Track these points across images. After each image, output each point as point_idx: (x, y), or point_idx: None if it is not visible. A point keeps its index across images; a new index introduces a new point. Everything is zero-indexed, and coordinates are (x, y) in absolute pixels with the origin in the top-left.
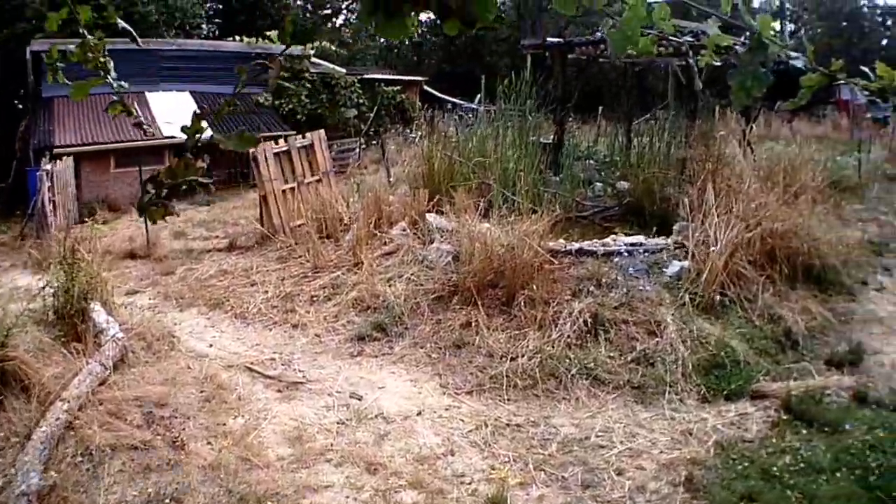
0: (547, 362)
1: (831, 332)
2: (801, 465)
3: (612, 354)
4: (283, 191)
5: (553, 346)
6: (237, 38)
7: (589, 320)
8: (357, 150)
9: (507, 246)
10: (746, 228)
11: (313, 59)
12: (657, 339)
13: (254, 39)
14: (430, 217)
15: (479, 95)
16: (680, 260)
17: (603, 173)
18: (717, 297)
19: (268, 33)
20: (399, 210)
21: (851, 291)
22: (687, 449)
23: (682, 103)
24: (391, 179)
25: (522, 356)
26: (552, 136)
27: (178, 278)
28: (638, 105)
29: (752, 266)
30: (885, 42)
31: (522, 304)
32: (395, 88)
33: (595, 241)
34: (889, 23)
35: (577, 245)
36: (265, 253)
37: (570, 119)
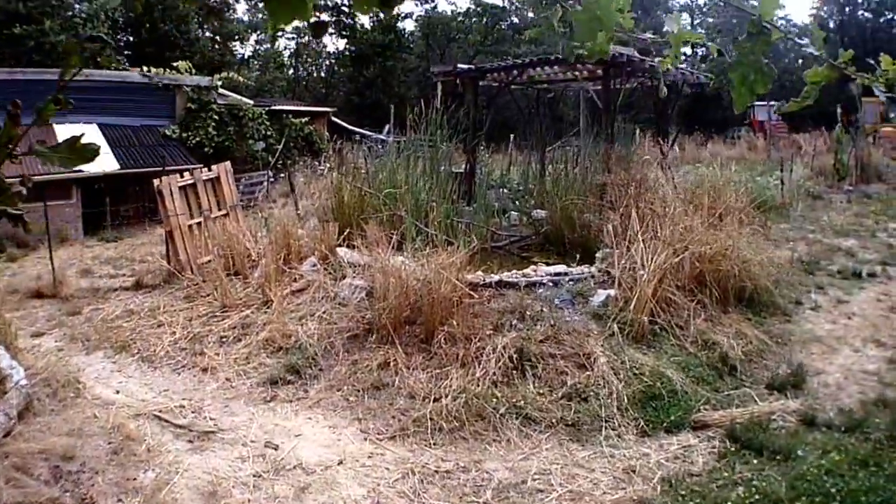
0: (473, 402)
1: (769, 355)
2: (757, 496)
3: (541, 391)
4: (190, 226)
5: (478, 385)
6: (144, 68)
7: (514, 356)
8: (265, 183)
9: (424, 280)
10: (674, 253)
11: (221, 91)
12: (588, 373)
13: (161, 70)
14: (341, 251)
15: (388, 126)
16: (606, 288)
17: (517, 202)
18: (648, 326)
19: (175, 64)
20: (309, 245)
21: (786, 312)
22: (632, 488)
23: (599, 128)
24: (300, 213)
25: (446, 396)
26: (464, 166)
27: (85, 319)
28: (551, 132)
29: (682, 292)
30: (800, 62)
31: (443, 340)
32: (303, 120)
33: (515, 272)
34: (805, 41)
35: (496, 277)
36: (172, 291)
37: (482, 148)
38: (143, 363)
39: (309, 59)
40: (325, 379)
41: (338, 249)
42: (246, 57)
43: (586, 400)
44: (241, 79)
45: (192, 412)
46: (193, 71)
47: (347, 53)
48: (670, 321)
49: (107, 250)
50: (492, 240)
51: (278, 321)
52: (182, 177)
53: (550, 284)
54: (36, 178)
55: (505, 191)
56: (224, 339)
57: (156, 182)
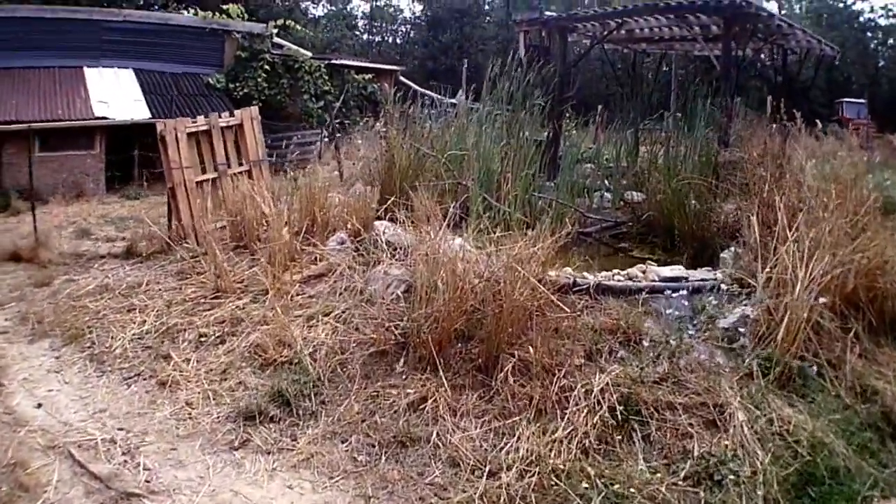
0: (550, 483)
1: None
2: None
3: (654, 465)
4: (199, 182)
5: (560, 452)
6: (190, 10)
7: (618, 406)
8: (319, 142)
9: (490, 278)
10: (835, 262)
11: (276, 41)
12: (720, 436)
13: (209, 13)
14: (381, 225)
15: (460, 91)
16: (739, 303)
17: (608, 180)
18: (797, 364)
19: (224, 7)
20: (341, 215)
21: None
22: None
23: (712, 98)
24: (343, 175)
25: (508, 469)
26: (547, 133)
27: (51, 293)
28: (650, 103)
29: (832, 314)
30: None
31: (510, 372)
32: (367, 77)
33: (617, 272)
34: (891, 41)
35: (592, 278)
36: (165, 264)
37: (568, 115)
38: (90, 364)
39: (384, 24)
40: (326, 420)
41: (376, 223)
42: (317, 17)
43: (720, 484)
44: (298, 27)
45: (124, 453)
46: (246, 16)
47: (424, 18)
48: (820, 356)
49: (122, 208)
50: (579, 224)
51: (277, 319)
52: (195, 121)
53: (668, 293)
54: (61, 124)
55: (592, 166)
56: (203, 339)
57: (159, 126)
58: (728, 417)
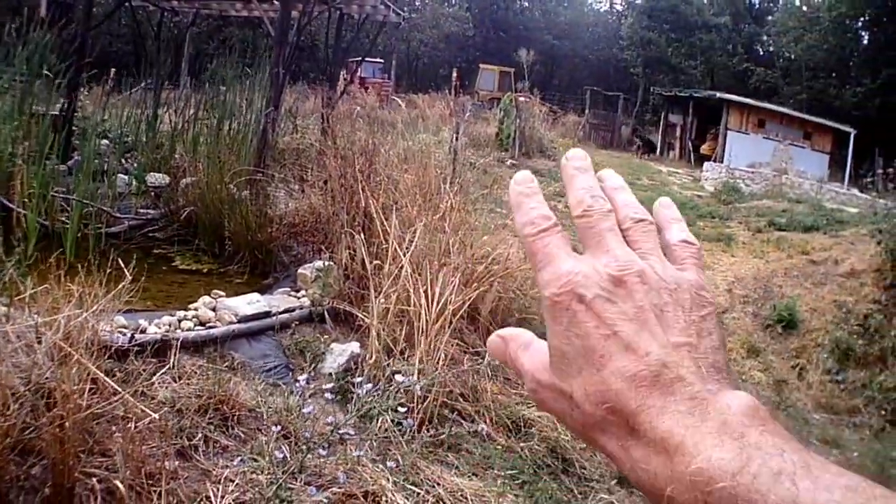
0: None
1: None
2: None
3: None
4: None
5: None
6: None
7: None
8: None
9: (40, 385)
10: (473, 281)
11: None
12: None
13: None
14: None
15: None
16: (340, 338)
17: (125, 159)
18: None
19: None
20: None
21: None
22: None
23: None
24: None
25: None
26: (60, 107)
27: None
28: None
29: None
30: None
31: (92, 499)
32: None
33: (183, 316)
34: None
35: (155, 331)
36: None
37: (86, 84)
38: None
39: None
40: None
41: None
42: None
43: None
44: None
45: None
46: None
47: None
48: (454, 391)
49: None
50: (106, 223)
51: None
52: None
53: (252, 336)
54: None
55: (106, 143)
56: None
57: None
58: None
